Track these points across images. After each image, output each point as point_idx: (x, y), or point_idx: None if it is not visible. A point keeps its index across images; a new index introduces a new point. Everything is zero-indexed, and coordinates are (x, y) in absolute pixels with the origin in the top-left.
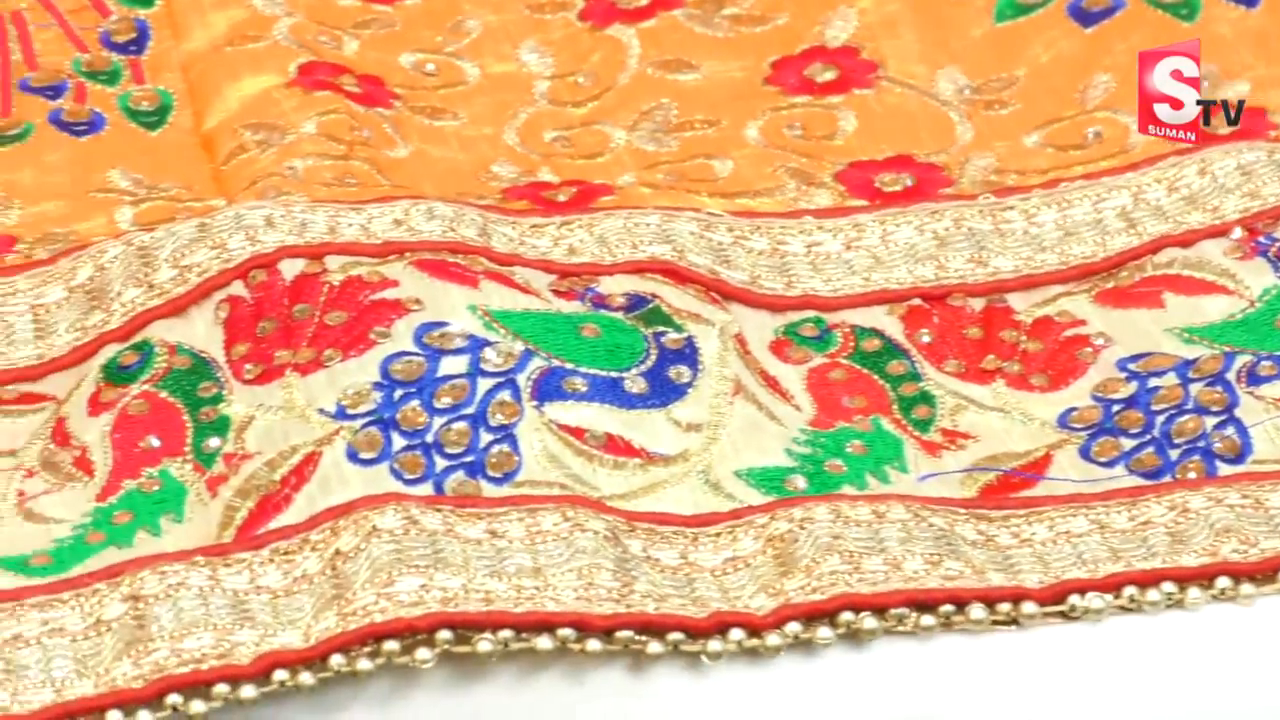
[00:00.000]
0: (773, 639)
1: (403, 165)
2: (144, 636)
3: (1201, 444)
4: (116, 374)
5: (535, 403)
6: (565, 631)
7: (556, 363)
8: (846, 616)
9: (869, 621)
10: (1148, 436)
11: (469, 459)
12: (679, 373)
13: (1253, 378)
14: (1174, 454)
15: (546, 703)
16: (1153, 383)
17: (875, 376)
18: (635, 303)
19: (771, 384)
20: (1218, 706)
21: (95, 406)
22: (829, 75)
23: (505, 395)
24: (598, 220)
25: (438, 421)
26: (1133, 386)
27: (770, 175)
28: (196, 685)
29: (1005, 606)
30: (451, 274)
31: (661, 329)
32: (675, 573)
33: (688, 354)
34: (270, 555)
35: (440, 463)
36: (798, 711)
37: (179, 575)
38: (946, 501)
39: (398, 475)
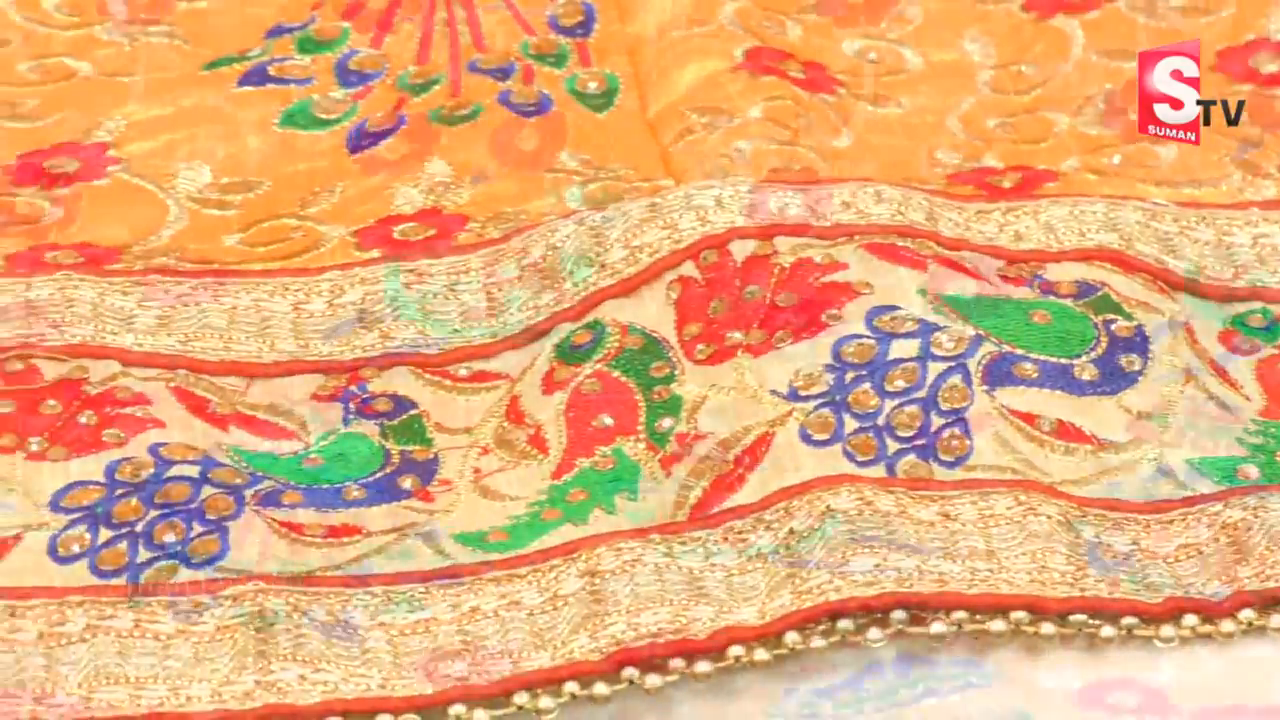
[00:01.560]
0: (1227, 625)
1: (845, 154)
2: (601, 611)
3: None
4: (570, 353)
5: (986, 387)
6: (1019, 614)
7: (1007, 348)
8: None
9: None
10: None
11: (920, 442)
12: (1129, 360)
13: None
14: None
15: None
16: None
17: None
18: (1084, 290)
19: (1221, 373)
20: None
21: (549, 385)
22: (1274, 67)
23: (956, 379)
24: (1043, 207)
25: (889, 404)
26: None
27: (1215, 164)
28: (653, 659)
29: None
30: (901, 257)
31: (1111, 316)
32: (1127, 558)
33: (1138, 342)
34: (724, 534)
35: (892, 445)
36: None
37: (635, 552)
38: None
39: (850, 457)
